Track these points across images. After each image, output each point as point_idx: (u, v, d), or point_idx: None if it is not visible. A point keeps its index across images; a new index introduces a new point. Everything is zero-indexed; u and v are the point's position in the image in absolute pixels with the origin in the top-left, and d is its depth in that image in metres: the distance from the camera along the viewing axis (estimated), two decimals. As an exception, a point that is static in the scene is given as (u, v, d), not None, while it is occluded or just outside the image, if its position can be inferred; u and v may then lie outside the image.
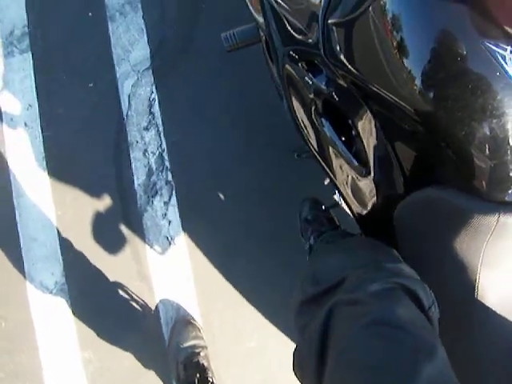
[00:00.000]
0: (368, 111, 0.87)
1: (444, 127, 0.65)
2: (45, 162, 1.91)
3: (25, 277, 1.87)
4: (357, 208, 1.27)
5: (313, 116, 1.12)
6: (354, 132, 1.09)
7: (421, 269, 0.92)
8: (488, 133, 0.61)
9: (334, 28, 0.79)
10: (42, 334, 1.87)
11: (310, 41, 0.86)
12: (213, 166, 1.91)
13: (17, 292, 1.88)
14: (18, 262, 1.87)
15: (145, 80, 1.96)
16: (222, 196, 1.89)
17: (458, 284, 0.81)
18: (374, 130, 0.88)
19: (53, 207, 1.89)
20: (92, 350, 1.85)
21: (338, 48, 0.79)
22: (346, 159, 1.13)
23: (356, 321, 0.72)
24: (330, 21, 0.79)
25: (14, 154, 1.93)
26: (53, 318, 1.86)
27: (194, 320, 1.83)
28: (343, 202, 1.55)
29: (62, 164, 1.91)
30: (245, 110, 1.92)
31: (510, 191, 0.68)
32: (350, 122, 1.04)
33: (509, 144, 0.62)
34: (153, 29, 2.00)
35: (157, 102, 1.94)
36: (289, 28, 0.92)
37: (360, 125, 0.92)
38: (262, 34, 1.22)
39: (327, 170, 1.30)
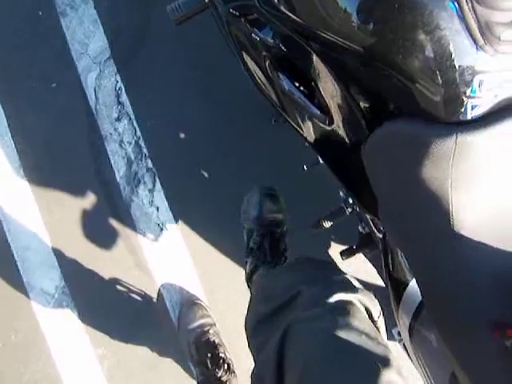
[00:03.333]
0: (316, 57, 0.85)
1: (383, 55, 0.63)
2: (22, 171, 1.89)
3: (25, 287, 1.87)
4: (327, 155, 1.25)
5: (269, 73, 1.10)
6: (313, 83, 1.08)
7: (397, 210, 0.90)
8: (426, 51, 0.59)
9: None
10: (53, 339, 1.87)
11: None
12: (190, 144, 1.89)
13: (21, 303, 1.88)
14: (15, 273, 1.86)
15: (107, 70, 1.92)
16: (205, 173, 1.88)
17: (433, 217, 0.79)
18: (326, 75, 0.86)
19: (39, 214, 1.88)
20: (104, 346, 1.86)
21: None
22: (308, 110, 1.11)
23: (314, 337, 0.72)
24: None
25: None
26: (61, 322, 1.87)
27: (199, 300, 1.84)
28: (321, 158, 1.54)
29: (40, 170, 1.89)
30: (212, 82, 1.89)
31: (462, 109, 0.66)
32: (304, 71, 1.03)
33: (451, 59, 0.60)
34: (107, 18, 1.95)
35: (123, 90, 1.91)
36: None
37: (313, 72, 0.90)
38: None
39: (296, 127, 1.29)
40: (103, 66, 1.93)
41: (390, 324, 1.37)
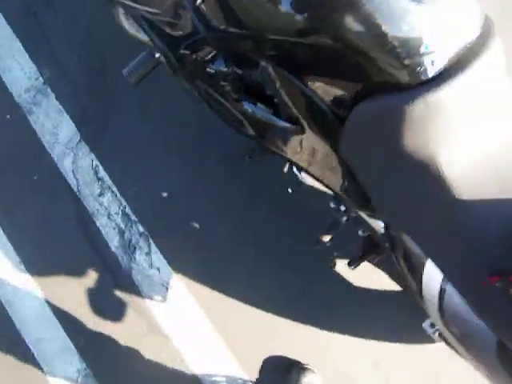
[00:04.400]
0: (271, 65, 0.92)
1: (328, 37, 0.70)
2: (23, 265, 1.94)
3: (47, 378, 1.87)
4: (316, 171, 1.30)
5: (232, 104, 1.18)
6: (275, 99, 1.14)
7: (389, 192, 0.92)
8: (370, 21, 0.65)
9: (202, 6, 0.85)
10: (86, 425, 1.86)
11: (188, 30, 0.93)
12: (174, 200, 1.96)
13: (47, 397, 1.87)
14: (34, 366, 1.87)
15: (81, 152, 2.01)
16: (194, 224, 1.93)
17: (426, 184, 0.81)
18: (285, 81, 0.93)
19: (44, 301, 1.91)
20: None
21: (213, 19, 0.86)
22: (278, 126, 1.17)
23: None
24: (197, 2, 0.86)
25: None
26: (89, 406, 1.86)
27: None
28: (304, 175, 1.57)
29: (39, 259, 1.94)
30: (182, 136, 1.98)
31: (423, 69, 0.70)
32: (264, 89, 1.10)
33: (396, 22, 0.66)
34: (70, 105, 2.07)
35: (100, 167, 2.00)
36: (168, 31, 0.99)
37: (272, 84, 0.97)
38: (157, 54, 1.29)
39: (275, 149, 1.34)
40: (76, 149, 2.02)
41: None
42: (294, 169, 1.56)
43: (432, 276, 1.11)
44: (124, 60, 1.99)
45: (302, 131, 1.13)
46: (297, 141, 1.22)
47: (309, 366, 1.80)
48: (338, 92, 0.91)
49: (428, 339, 1.74)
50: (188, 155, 1.97)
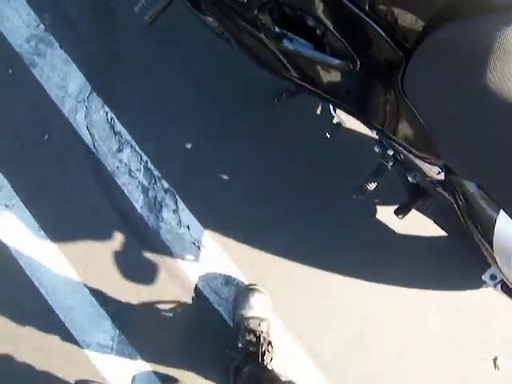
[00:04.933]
0: None
1: None
2: (42, 231, 1.81)
3: (82, 347, 1.78)
4: (361, 110, 1.14)
5: (267, 37, 1.01)
6: (318, 31, 0.97)
7: (468, 138, 0.80)
8: None
9: None
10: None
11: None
12: (197, 150, 1.80)
13: (82, 363, 1.79)
14: (68, 336, 1.77)
15: (94, 105, 1.84)
16: (224, 176, 1.78)
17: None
18: (333, 7, 0.76)
19: (72, 269, 1.79)
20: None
21: None
22: (327, 63, 1.01)
23: None
24: None
25: (13, 240, 1.83)
26: (126, 371, 1.77)
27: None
28: (341, 116, 1.41)
29: (60, 224, 1.81)
30: (202, 79, 1.80)
31: None
32: (308, 20, 0.93)
33: None
34: (76, 53, 1.87)
35: (116, 120, 1.83)
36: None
37: (320, 13, 0.80)
38: None
39: (315, 89, 1.18)
40: (88, 102, 1.84)
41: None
42: (331, 108, 1.40)
43: (507, 227, 1.00)
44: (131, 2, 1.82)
45: (354, 67, 0.96)
46: (345, 79, 1.05)
47: (256, 287, 1.70)
48: (408, 17, 0.75)
49: (473, 286, 1.66)
50: (212, 102, 1.79)
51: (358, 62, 0.95)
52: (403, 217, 1.45)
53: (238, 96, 1.78)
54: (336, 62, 0.99)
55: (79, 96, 1.85)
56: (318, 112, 1.74)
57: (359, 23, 0.83)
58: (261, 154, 1.76)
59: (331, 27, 0.89)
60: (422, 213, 1.66)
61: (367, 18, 0.81)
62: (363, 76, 1.00)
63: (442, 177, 1.14)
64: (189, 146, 1.80)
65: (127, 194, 1.80)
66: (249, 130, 1.77)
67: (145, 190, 1.80)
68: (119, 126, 1.83)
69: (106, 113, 1.83)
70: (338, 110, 1.40)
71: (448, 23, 0.71)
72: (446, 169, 1.12)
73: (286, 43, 1.02)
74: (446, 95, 0.78)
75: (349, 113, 1.22)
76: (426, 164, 1.14)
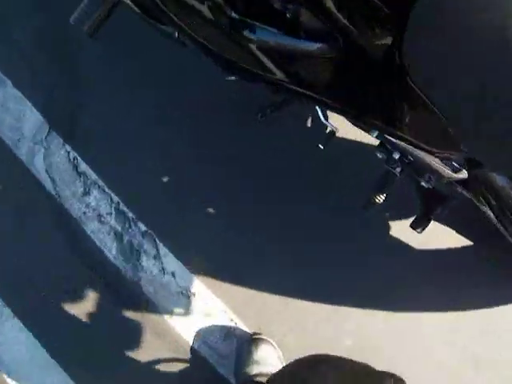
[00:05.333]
0: None
1: None
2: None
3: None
4: (357, 107, 0.90)
5: (232, 31, 0.78)
6: (288, 13, 0.75)
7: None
8: None
9: None
10: None
11: None
12: (176, 183, 1.53)
13: None
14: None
15: (53, 145, 1.60)
16: (209, 209, 1.50)
17: None
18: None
19: (37, 343, 1.50)
20: None
21: None
22: (304, 50, 0.79)
23: None
24: None
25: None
26: None
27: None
28: (334, 124, 1.20)
29: (17, 291, 1.54)
30: (175, 101, 1.55)
31: None
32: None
33: None
34: (31, 90, 1.65)
35: (79, 159, 1.58)
36: None
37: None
38: None
39: (294, 87, 0.93)
40: (46, 142, 1.60)
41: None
42: (321, 116, 1.17)
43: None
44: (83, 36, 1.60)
45: (337, 50, 0.75)
46: (328, 67, 0.82)
47: (261, 336, 1.41)
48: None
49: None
50: (185, 128, 1.54)
51: (341, 40, 0.74)
52: (422, 230, 1.19)
53: (213, 116, 1.52)
54: (315, 46, 0.78)
55: (36, 136, 1.61)
56: (309, 124, 1.49)
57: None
58: (246, 181, 1.49)
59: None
60: (440, 222, 1.38)
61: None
62: (352, 61, 0.78)
63: (463, 175, 0.93)
64: (165, 179, 1.54)
65: (98, 244, 1.52)
66: (230, 154, 1.50)
67: (118, 236, 1.53)
68: (83, 166, 1.57)
69: (68, 152, 1.59)
70: (329, 119, 1.19)
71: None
72: (469, 164, 0.92)
73: (246, 33, 0.79)
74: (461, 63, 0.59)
75: (344, 113, 0.98)
76: (442, 163, 0.93)
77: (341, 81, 0.86)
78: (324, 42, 0.76)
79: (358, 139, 1.39)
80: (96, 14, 0.98)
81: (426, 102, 0.71)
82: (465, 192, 1.07)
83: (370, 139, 0.97)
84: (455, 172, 0.92)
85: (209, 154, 1.50)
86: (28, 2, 1.70)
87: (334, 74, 0.84)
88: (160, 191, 1.54)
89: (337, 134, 1.23)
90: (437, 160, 0.88)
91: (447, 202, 1.19)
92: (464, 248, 1.42)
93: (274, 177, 1.48)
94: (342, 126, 1.13)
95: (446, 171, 0.90)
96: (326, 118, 1.21)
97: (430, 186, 1.11)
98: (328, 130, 1.26)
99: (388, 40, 0.67)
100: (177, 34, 1.06)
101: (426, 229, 1.20)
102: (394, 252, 1.42)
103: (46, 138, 1.61)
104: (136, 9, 1.04)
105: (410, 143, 0.86)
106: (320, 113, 1.21)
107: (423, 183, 1.09)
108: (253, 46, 0.87)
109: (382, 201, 1.19)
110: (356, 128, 1.00)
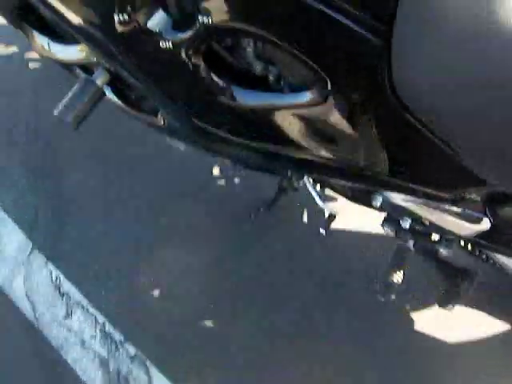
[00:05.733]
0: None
1: None
2: None
3: None
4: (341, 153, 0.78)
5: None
6: (270, 76, 0.68)
7: None
8: None
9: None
10: None
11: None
12: (171, 298, 1.36)
13: None
14: None
15: (36, 264, 1.46)
16: (208, 323, 1.31)
17: None
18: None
19: None
20: None
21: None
22: (294, 103, 0.69)
23: None
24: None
25: None
26: None
27: None
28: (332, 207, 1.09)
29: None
30: (162, 211, 1.44)
31: None
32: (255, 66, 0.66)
33: None
34: (14, 208, 1.55)
35: (62, 277, 1.43)
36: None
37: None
38: (97, 82, 0.83)
39: (290, 153, 0.82)
40: (28, 262, 1.46)
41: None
42: (318, 201, 1.09)
43: None
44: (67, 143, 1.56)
45: (323, 93, 0.64)
46: (318, 120, 0.71)
47: None
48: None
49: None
50: (177, 236, 1.42)
51: (328, 81, 0.64)
52: (453, 307, 1.00)
53: (199, 220, 1.40)
54: (306, 96, 0.67)
55: (18, 257, 1.48)
56: (305, 219, 1.37)
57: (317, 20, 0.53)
58: (248, 292, 1.32)
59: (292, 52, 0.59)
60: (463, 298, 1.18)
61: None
62: (342, 107, 0.67)
63: (485, 224, 0.77)
64: (156, 293, 1.37)
65: (79, 374, 1.31)
66: (224, 264, 1.36)
67: (104, 363, 1.32)
68: (67, 285, 1.42)
69: (50, 272, 1.44)
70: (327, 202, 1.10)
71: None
72: (490, 206, 0.74)
73: (225, 100, 0.70)
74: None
75: (341, 190, 0.87)
76: (458, 217, 0.78)
77: (330, 131, 0.74)
78: (311, 88, 0.66)
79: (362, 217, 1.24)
80: (80, 106, 0.92)
81: (430, 138, 0.58)
82: (491, 250, 0.90)
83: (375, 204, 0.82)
84: (475, 223, 0.77)
85: (205, 267, 1.35)
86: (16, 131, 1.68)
87: (320, 124, 0.72)
88: (152, 308, 1.36)
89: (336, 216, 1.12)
90: (452, 213, 0.73)
91: (473, 273, 1.02)
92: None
93: (278, 284, 1.31)
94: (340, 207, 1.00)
95: (466, 224, 0.76)
96: (324, 199, 1.08)
97: (450, 251, 0.95)
98: (327, 214, 1.13)
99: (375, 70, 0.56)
100: (163, 121, 0.98)
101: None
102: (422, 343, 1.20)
103: (28, 257, 1.47)
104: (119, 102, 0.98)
105: (419, 194, 0.72)
106: (316, 196, 1.09)
107: (442, 251, 0.95)
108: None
109: (400, 281, 1.02)
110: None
